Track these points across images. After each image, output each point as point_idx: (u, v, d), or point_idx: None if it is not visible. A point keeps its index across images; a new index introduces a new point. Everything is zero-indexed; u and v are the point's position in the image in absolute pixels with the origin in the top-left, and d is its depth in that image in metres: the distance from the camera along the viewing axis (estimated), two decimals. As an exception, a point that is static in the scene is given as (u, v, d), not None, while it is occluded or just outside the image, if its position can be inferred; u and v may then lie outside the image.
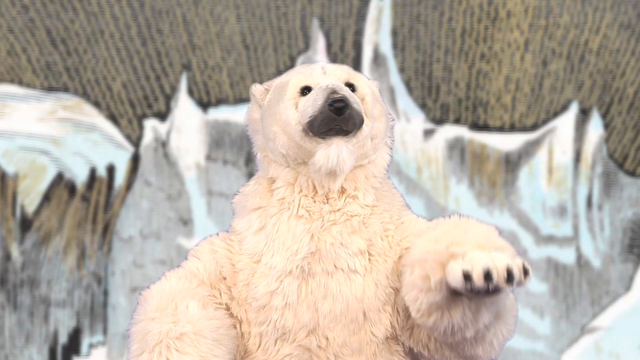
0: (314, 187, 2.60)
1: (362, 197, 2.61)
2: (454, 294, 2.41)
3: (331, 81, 2.59)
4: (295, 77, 2.63)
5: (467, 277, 2.35)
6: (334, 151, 2.54)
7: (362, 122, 2.57)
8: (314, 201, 2.59)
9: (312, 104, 2.56)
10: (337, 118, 2.53)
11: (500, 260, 2.35)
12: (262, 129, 2.65)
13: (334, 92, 2.55)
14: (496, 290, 2.36)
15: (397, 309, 2.58)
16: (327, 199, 2.60)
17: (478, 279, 2.34)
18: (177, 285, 2.60)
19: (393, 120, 2.72)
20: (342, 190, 2.61)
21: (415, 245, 2.50)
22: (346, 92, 2.57)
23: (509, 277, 2.34)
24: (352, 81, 2.64)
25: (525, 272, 2.36)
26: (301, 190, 2.60)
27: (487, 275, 2.34)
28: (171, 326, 2.51)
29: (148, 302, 2.57)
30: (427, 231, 2.55)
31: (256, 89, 2.69)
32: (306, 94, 2.60)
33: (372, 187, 2.63)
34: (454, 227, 2.47)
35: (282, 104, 2.60)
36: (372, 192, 2.63)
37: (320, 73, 2.63)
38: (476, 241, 2.41)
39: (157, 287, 2.61)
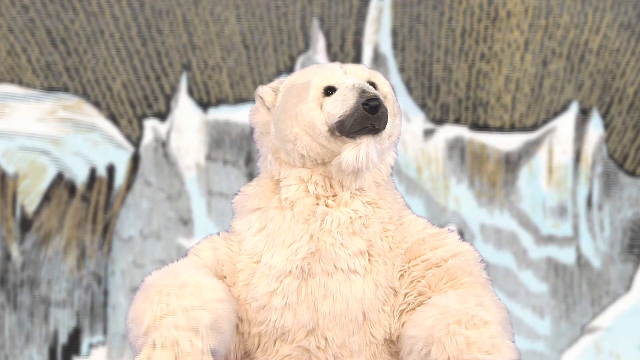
0: (330, 185, 2.60)
1: (366, 194, 2.61)
2: None
3: (356, 80, 2.57)
4: (316, 78, 2.59)
5: None
6: (364, 150, 2.53)
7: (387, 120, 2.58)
8: (318, 201, 2.59)
9: (342, 103, 2.53)
10: (370, 117, 2.52)
11: None
12: (276, 131, 2.62)
13: (364, 91, 2.54)
14: None
15: (393, 312, 2.58)
16: (334, 197, 2.60)
17: None
18: (178, 264, 2.61)
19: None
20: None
21: (417, 327, 2.50)
22: (374, 90, 2.56)
23: None
24: (373, 79, 2.63)
25: None
26: (315, 189, 2.59)
27: None
28: (172, 279, 2.50)
29: (148, 280, 2.57)
30: (429, 293, 2.57)
31: (264, 92, 2.66)
32: (330, 94, 2.57)
33: (375, 182, 2.63)
34: (458, 327, 2.45)
35: (304, 105, 2.57)
36: (375, 188, 2.63)
37: (342, 73, 2.61)
38: None
39: (157, 271, 2.61)
